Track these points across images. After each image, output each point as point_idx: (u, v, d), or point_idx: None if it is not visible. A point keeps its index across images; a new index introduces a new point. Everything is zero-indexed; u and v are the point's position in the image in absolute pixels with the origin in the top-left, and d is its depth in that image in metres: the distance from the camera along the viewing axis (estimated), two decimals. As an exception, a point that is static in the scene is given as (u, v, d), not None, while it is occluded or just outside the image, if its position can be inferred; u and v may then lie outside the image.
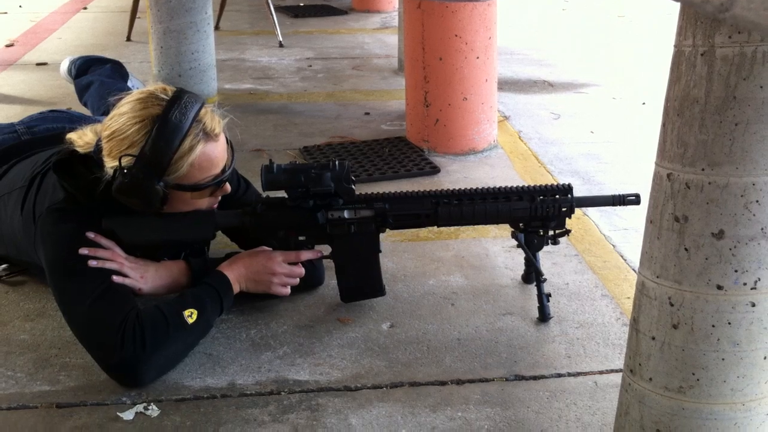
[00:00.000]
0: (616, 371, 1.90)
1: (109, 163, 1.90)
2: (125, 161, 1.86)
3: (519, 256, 2.37)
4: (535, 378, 1.90)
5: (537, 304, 2.12)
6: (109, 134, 1.91)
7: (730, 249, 1.31)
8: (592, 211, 2.75)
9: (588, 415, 1.77)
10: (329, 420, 1.74)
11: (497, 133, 3.44)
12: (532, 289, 2.17)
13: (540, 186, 2.11)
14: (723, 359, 1.36)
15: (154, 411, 1.76)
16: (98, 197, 1.93)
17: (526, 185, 2.12)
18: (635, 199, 2.09)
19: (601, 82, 4.52)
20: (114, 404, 1.78)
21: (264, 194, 2.13)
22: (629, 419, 1.50)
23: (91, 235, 1.92)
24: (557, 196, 2.08)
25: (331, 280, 2.22)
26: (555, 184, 2.12)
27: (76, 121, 2.50)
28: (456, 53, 3.19)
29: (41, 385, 1.84)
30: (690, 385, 1.39)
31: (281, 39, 5.38)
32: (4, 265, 2.30)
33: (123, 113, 1.91)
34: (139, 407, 1.77)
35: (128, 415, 1.74)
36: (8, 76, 4.53)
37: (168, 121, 1.86)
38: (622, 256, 2.49)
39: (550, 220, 2.09)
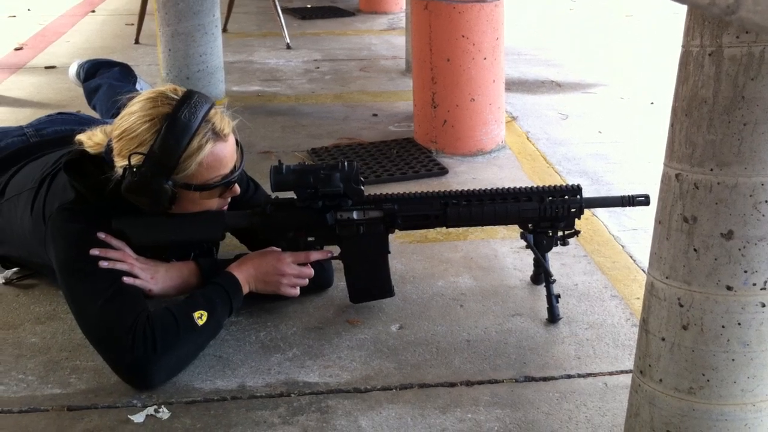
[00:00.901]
0: (626, 372, 1.90)
1: (119, 163, 1.91)
2: (134, 160, 1.87)
3: (528, 257, 2.37)
4: (544, 379, 1.90)
5: (546, 305, 2.12)
6: (119, 133, 1.92)
7: (740, 249, 1.31)
8: (601, 212, 2.75)
9: (598, 416, 1.77)
10: (339, 422, 1.75)
11: (505, 134, 3.44)
12: (541, 290, 2.17)
13: (549, 187, 2.10)
14: (733, 360, 1.36)
15: (164, 413, 1.77)
16: (108, 197, 1.94)
17: (535, 186, 2.12)
18: (644, 200, 2.09)
19: (608, 82, 4.51)
20: (125, 407, 1.79)
21: (273, 195, 2.13)
22: (639, 420, 1.49)
23: (101, 235, 1.93)
24: (566, 197, 2.08)
25: (340, 282, 2.22)
26: (564, 184, 2.12)
27: (84, 123, 2.51)
28: (463, 54, 3.19)
29: (52, 388, 1.85)
30: (700, 386, 1.39)
31: (289, 41, 5.38)
32: (14, 269, 2.31)
33: (133, 112, 1.92)
34: (150, 410, 1.77)
35: (139, 417, 1.75)
36: (17, 79, 4.55)
37: (177, 120, 1.87)
38: (631, 257, 2.48)
39: (559, 220, 2.09)
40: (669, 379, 1.42)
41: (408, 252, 2.50)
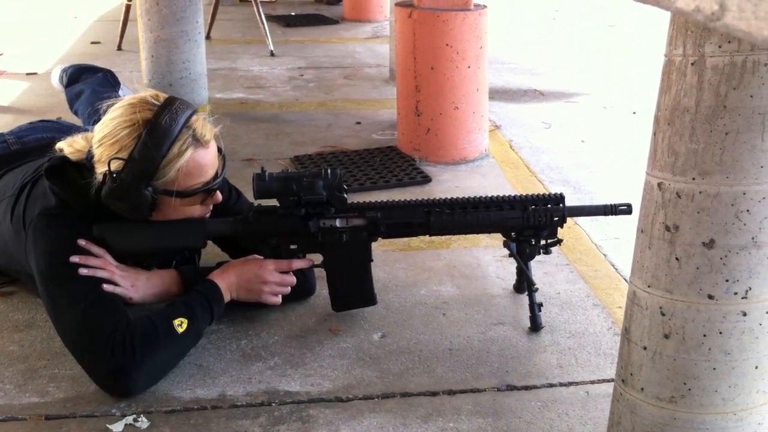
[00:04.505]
0: (608, 381, 1.90)
1: (100, 169, 1.90)
2: (114, 165, 1.86)
3: (510, 266, 2.36)
4: (526, 388, 1.89)
5: (529, 314, 2.12)
6: (99, 138, 1.91)
7: (721, 258, 1.31)
8: (583, 221, 2.75)
9: (579, 425, 1.77)
10: (320, 431, 1.73)
11: (488, 143, 3.45)
12: (524, 298, 2.17)
13: (532, 195, 2.10)
14: (714, 369, 1.36)
15: (143, 423, 1.75)
16: (89, 203, 1.93)
17: (518, 194, 2.12)
18: (627, 209, 2.09)
19: (591, 91, 4.53)
20: (103, 416, 1.77)
21: (255, 202, 2.12)
22: (621, 429, 1.49)
23: (82, 242, 1.91)
24: (549, 206, 2.08)
25: (322, 290, 2.21)
26: (547, 193, 2.12)
27: (65, 131, 2.49)
28: (447, 62, 3.19)
29: (30, 396, 1.83)
30: (681, 395, 1.39)
31: (272, 48, 5.38)
32: (-7, 276, 2.28)
33: (114, 118, 1.91)
34: (129, 419, 1.75)
35: (118, 426, 1.73)
36: (-2, 85, 4.52)
37: (158, 126, 1.86)
38: (613, 266, 2.49)
39: (542, 229, 2.09)
40: (650, 387, 1.42)
41: (391, 260, 2.49)
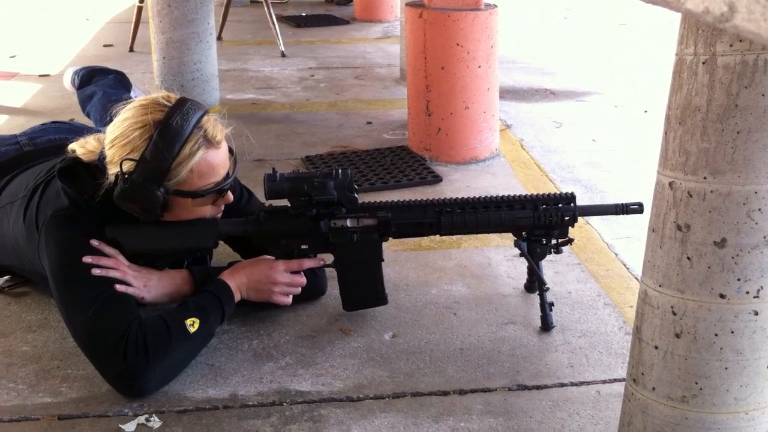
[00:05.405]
0: (619, 380, 1.89)
1: (112, 170, 1.91)
2: (126, 166, 1.87)
3: (521, 265, 2.36)
4: (537, 388, 1.89)
5: (540, 313, 2.12)
6: (112, 140, 1.92)
7: (733, 257, 1.31)
8: (595, 220, 2.75)
9: (591, 425, 1.76)
10: (331, 431, 1.74)
11: (499, 142, 3.44)
12: (535, 298, 2.17)
13: (543, 195, 2.10)
14: (726, 368, 1.36)
15: (155, 422, 1.75)
16: (102, 204, 1.94)
17: (529, 194, 2.12)
18: (638, 208, 2.09)
19: (602, 90, 4.52)
20: (116, 416, 1.77)
21: (266, 203, 2.12)
22: (632, 429, 1.49)
23: (95, 243, 1.92)
24: (560, 205, 2.08)
25: (333, 290, 2.21)
26: (558, 192, 2.12)
27: (77, 132, 2.50)
28: (458, 62, 3.19)
29: (43, 396, 1.84)
30: (693, 395, 1.39)
31: (283, 49, 5.39)
32: (6, 277, 2.30)
33: (126, 119, 1.92)
34: (141, 419, 1.76)
35: (130, 426, 1.74)
36: (11, 87, 4.54)
37: (169, 126, 1.87)
38: (624, 265, 2.48)
39: (553, 228, 2.08)
40: (662, 387, 1.42)
41: (401, 260, 2.50)
